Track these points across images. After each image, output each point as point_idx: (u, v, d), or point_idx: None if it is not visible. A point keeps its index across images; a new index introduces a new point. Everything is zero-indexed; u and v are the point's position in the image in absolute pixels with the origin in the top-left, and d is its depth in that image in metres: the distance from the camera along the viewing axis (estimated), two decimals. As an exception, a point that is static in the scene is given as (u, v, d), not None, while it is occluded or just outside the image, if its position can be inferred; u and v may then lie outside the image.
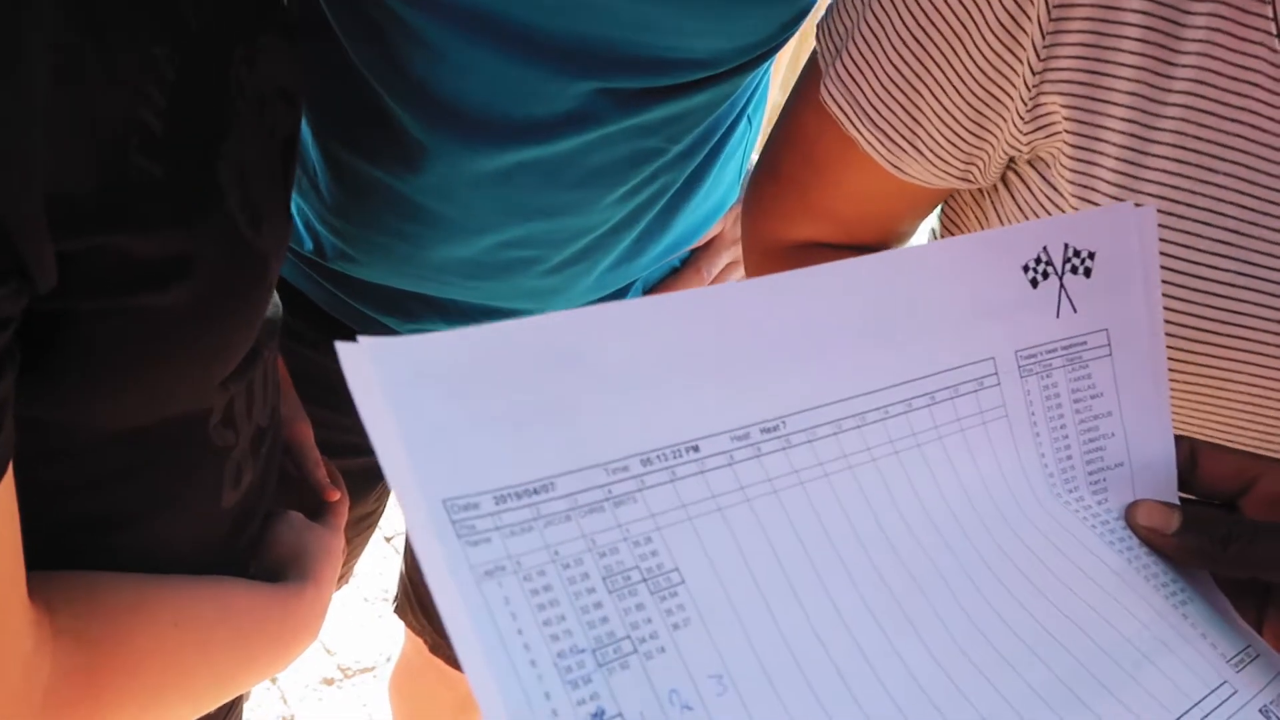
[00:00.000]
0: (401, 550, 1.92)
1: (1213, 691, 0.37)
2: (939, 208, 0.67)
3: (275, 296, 0.53)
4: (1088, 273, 0.38)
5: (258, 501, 0.56)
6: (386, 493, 1.03)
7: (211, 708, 0.52)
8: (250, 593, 0.54)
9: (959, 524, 0.37)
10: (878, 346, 0.35)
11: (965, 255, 0.37)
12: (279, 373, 0.61)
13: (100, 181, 0.36)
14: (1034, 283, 0.37)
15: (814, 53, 0.61)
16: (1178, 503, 0.43)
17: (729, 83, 0.67)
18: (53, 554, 0.42)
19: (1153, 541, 0.41)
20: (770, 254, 0.68)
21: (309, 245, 0.79)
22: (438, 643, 1.07)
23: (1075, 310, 0.38)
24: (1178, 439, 0.44)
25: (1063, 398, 0.40)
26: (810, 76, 0.61)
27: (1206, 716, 0.36)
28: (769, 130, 0.68)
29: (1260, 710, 0.37)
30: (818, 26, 0.60)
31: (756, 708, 0.29)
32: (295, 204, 0.79)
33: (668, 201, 0.78)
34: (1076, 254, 0.38)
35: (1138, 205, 0.38)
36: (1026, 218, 0.56)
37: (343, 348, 0.25)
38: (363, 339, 0.25)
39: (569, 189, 0.70)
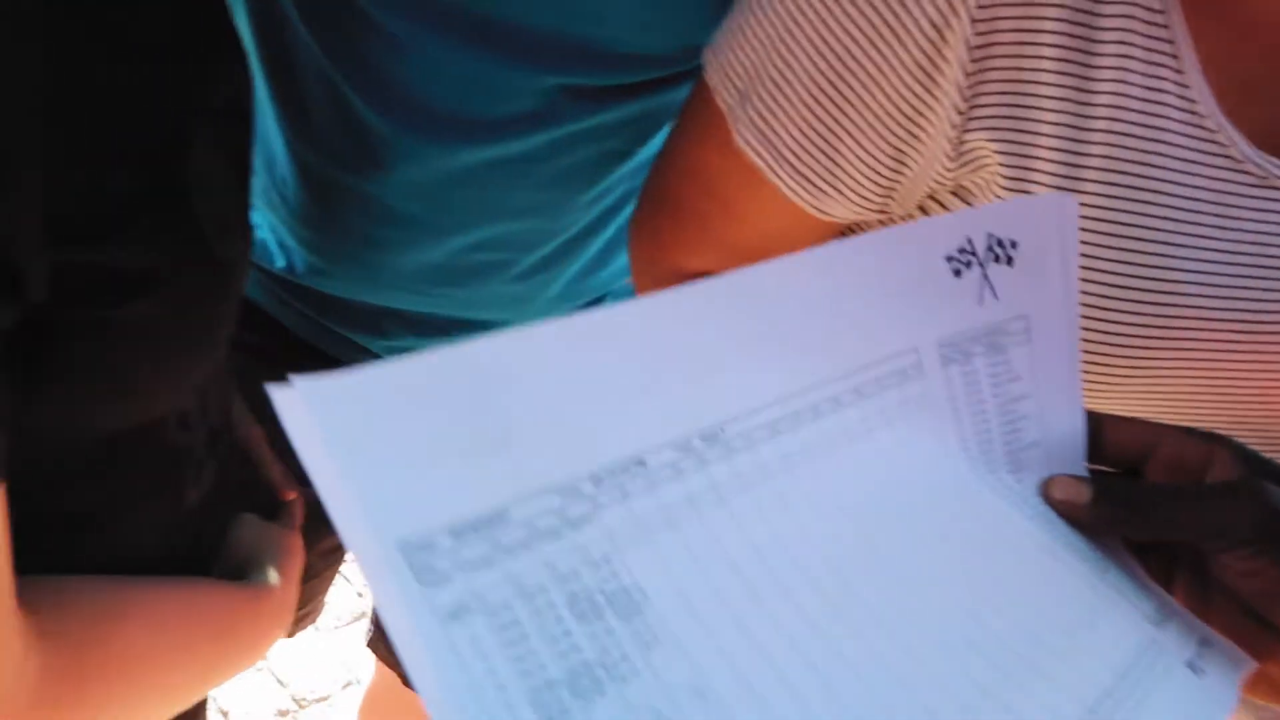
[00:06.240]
0: (351, 578, 1.87)
1: (1145, 649, 0.39)
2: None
3: None
4: (1010, 261, 0.39)
5: (218, 501, 0.57)
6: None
7: (188, 705, 0.53)
8: (221, 593, 0.55)
9: (894, 520, 0.37)
10: (806, 345, 0.35)
11: (889, 249, 0.37)
12: (230, 378, 0.63)
13: (87, 200, 0.38)
14: (957, 272, 0.38)
15: (700, 85, 0.60)
16: (1087, 475, 0.44)
17: (680, 87, 0.68)
18: (23, 557, 0.43)
19: (1068, 514, 0.42)
20: (666, 284, 0.67)
21: (280, 262, 0.80)
22: None
23: (997, 297, 0.39)
24: None
25: (982, 383, 0.40)
26: (703, 110, 0.59)
27: (1143, 673, 0.38)
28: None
29: (1186, 664, 0.39)
30: (709, 62, 0.58)
31: (741, 714, 0.29)
32: (266, 221, 0.80)
33: (633, 210, 0.80)
34: (999, 243, 0.38)
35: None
36: None
37: (276, 392, 0.23)
38: (296, 379, 0.24)
39: (538, 189, 0.71)
